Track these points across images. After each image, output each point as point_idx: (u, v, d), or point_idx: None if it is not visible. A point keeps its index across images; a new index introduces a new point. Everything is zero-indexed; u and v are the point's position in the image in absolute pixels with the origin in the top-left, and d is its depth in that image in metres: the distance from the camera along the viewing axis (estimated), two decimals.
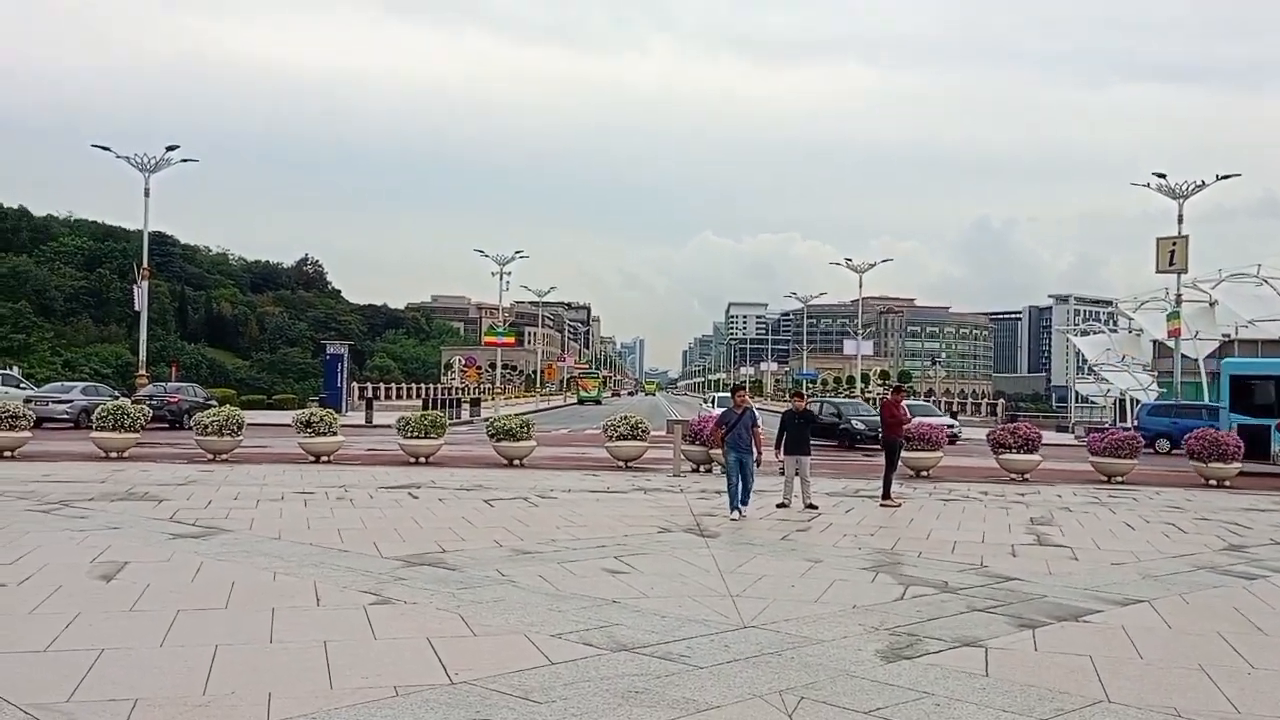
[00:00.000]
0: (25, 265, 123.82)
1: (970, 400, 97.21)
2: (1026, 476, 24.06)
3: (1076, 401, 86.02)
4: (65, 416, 37.61)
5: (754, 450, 15.24)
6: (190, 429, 26.84)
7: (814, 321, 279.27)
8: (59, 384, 46.07)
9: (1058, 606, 9.49)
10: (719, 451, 18.14)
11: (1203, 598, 10.22)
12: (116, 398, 36.29)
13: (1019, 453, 24.09)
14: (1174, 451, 37.07)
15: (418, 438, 24.27)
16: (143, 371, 50.40)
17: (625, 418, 25.21)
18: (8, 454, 23.72)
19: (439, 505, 16.00)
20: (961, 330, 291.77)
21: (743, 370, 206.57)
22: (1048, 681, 7.02)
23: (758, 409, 43.32)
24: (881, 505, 17.36)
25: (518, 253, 75.32)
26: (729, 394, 17.81)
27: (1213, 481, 24.06)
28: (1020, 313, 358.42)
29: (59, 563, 10.46)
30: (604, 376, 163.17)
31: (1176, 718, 6.36)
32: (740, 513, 14.91)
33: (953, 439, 40.29)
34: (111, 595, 8.98)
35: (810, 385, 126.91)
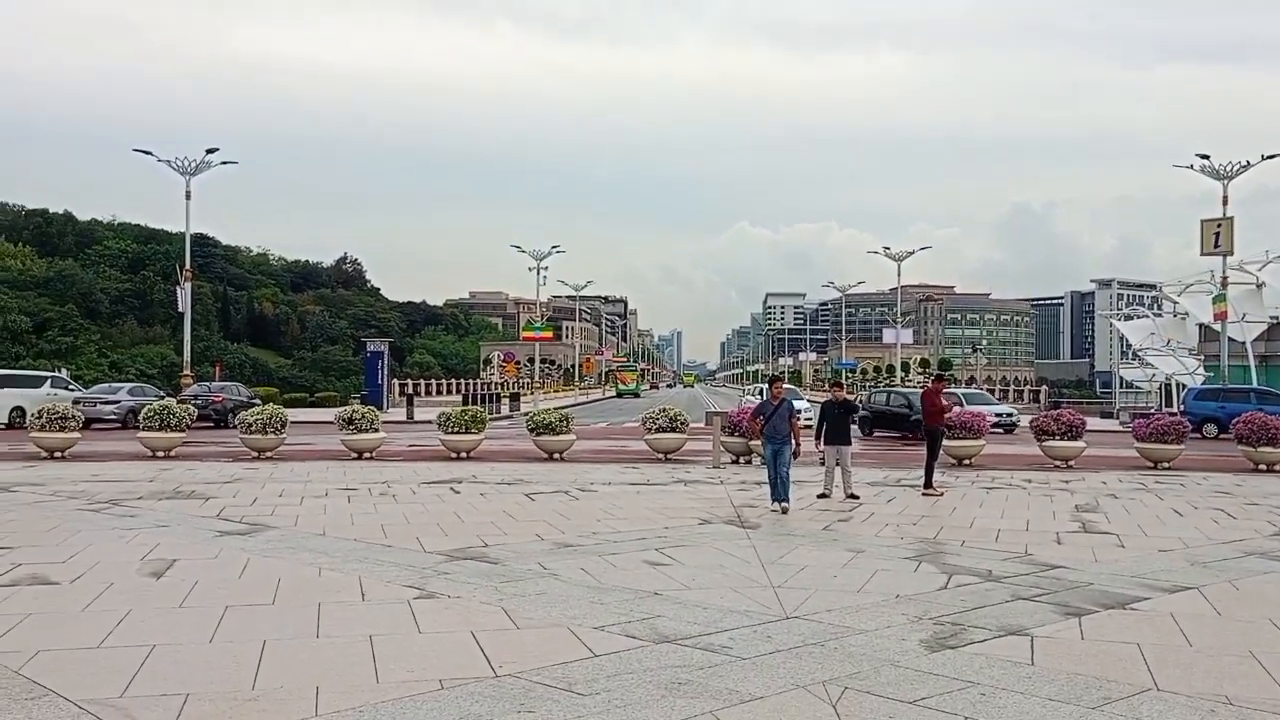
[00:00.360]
0: (71, 269, 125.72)
1: (1013, 387, 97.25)
2: (1071, 463, 23.80)
3: (1121, 387, 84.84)
4: (113, 417, 38.19)
5: (792, 441, 15.08)
6: (235, 427, 27.18)
7: (852, 311, 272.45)
8: (106, 385, 46.82)
9: (1104, 594, 9.38)
10: (758, 443, 18.02)
11: (1253, 584, 10.05)
12: (162, 398, 36.80)
13: (1063, 439, 23.85)
14: (1222, 436, 36.53)
15: (458, 433, 24.36)
16: (187, 371, 51.04)
17: (664, 410, 25.16)
18: (58, 454, 24.11)
19: (480, 500, 16.02)
20: (1002, 317, 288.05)
21: (781, 361, 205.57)
22: (1095, 670, 6.92)
23: (804, 402, 43.23)
24: (924, 494, 17.26)
25: (554, 248, 75.56)
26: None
27: (1262, 466, 23.69)
28: (1062, 298, 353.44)
29: (110, 561, 10.60)
30: (642, 369, 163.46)
31: (1228, 705, 6.24)
32: (781, 506, 14.74)
33: (1010, 428, 39.75)
34: (161, 592, 9.09)
35: (850, 375, 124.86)
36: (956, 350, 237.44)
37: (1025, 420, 37.50)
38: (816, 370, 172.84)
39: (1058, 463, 23.69)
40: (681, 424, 24.77)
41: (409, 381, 76.30)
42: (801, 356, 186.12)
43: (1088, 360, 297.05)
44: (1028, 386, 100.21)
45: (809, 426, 38.43)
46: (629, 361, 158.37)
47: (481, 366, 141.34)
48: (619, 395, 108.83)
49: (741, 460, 23.09)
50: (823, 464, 17.34)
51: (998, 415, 39.05)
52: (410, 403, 49.46)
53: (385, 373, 56.34)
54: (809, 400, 45.57)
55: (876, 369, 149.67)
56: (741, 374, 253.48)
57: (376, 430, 24.67)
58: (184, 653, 7.09)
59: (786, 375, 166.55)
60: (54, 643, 7.35)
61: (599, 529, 12.99)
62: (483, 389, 73.84)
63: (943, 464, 21.58)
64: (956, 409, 24.16)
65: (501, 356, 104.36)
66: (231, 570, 10.11)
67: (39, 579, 9.62)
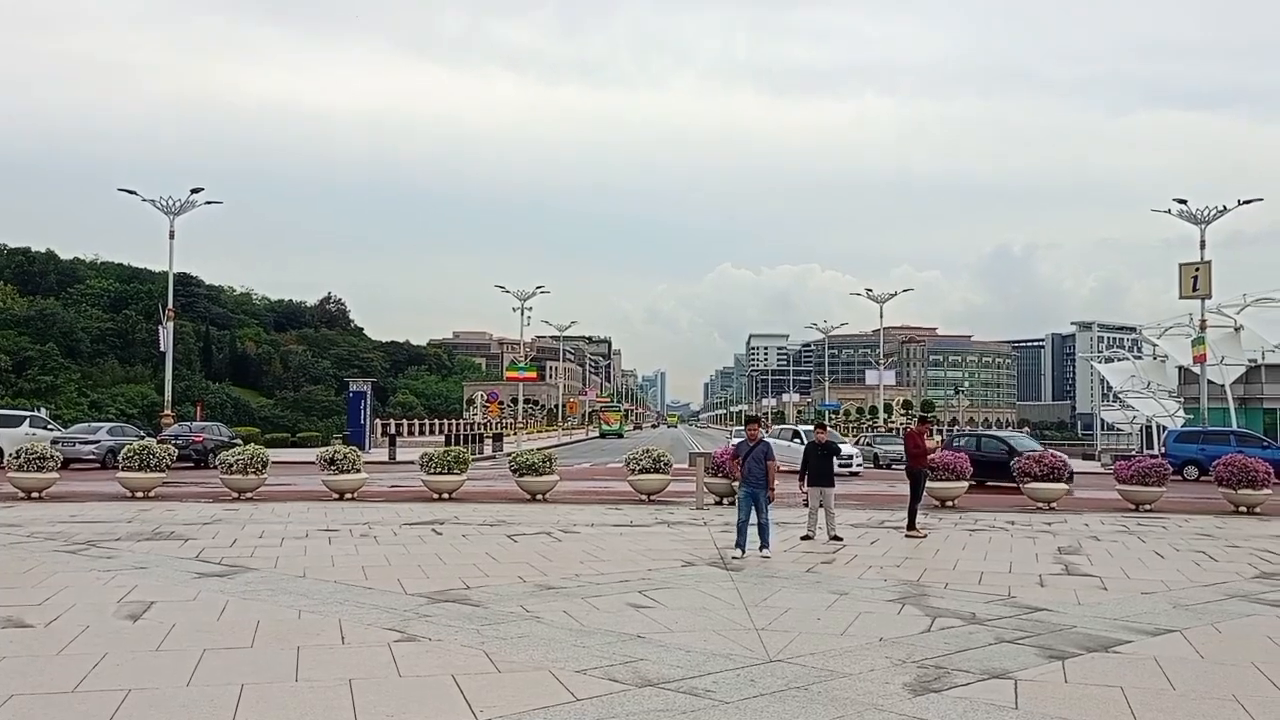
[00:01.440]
0: (53, 308, 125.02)
1: (994, 428, 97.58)
2: (1053, 506, 23.72)
3: (1102, 429, 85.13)
4: (92, 457, 37.81)
5: (767, 484, 14.56)
6: (215, 468, 26.87)
7: (835, 352, 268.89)
8: (85, 425, 46.39)
9: (1088, 637, 9.31)
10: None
11: (1235, 627, 10.01)
12: (142, 438, 36.49)
13: (1045, 481, 23.81)
14: (1202, 479, 36.58)
15: (440, 474, 24.07)
16: (168, 411, 50.62)
17: (647, 451, 24.94)
18: (36, 495, 23.81)
19: (462, 541, 15.81)
20: (984, 358, 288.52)
21: (764, 402, 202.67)
22: (1079, 714, 6.86)
23: (850, 448, 43.51)
24: (907, 536, 17.13)
25: (539, 288, 74.95)
26: (759, 426, 17.74)
27: (1242, 508, 23.73)
28: (1043, 340, 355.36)
29: (86, 603, 10.42)
30: (625, 410, 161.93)
31: None
32: (744, 552, 14.16)
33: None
34: (138, 635, 8.93)
35: (833, 416, 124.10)
36: (939, 392, 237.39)
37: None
38: (799, 411, 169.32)
39: (1041, 505, 23.55)
40: (665, 465, 24.54)
41: (391, 422, 75.15)
42: (785, 397, 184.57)
43: (1069, 402, 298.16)
44: (1009, 428, 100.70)
45: (856, 474, 39.30)
46: (613, 402, 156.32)
47: (465, 407, 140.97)
48: (603, 436, 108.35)
49: (725, 501, 22.83)
50: (804, 505, 17.19)
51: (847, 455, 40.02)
52: (392, 443, 48.78)
53: (368, 413, 55.73)
54: (852, 447, 43.14)
55: (860, 410, 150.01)
56: (725, 414, 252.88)
57: (358, 471, 24.35)
58: (161, 696, 6.97)
59: (770, 416, 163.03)
60: (29, 687, 7.22)
61: (582, 571, 12.78)
62: (466, 429, 72.77)
63: (926, 505, 21.37)
64: (939, 451, 24.03)
65: (485, 396, 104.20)
66: (210, 613, 9.96)
67: (14, 622, 9.46)
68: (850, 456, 39.61)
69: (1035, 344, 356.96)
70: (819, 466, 16.55)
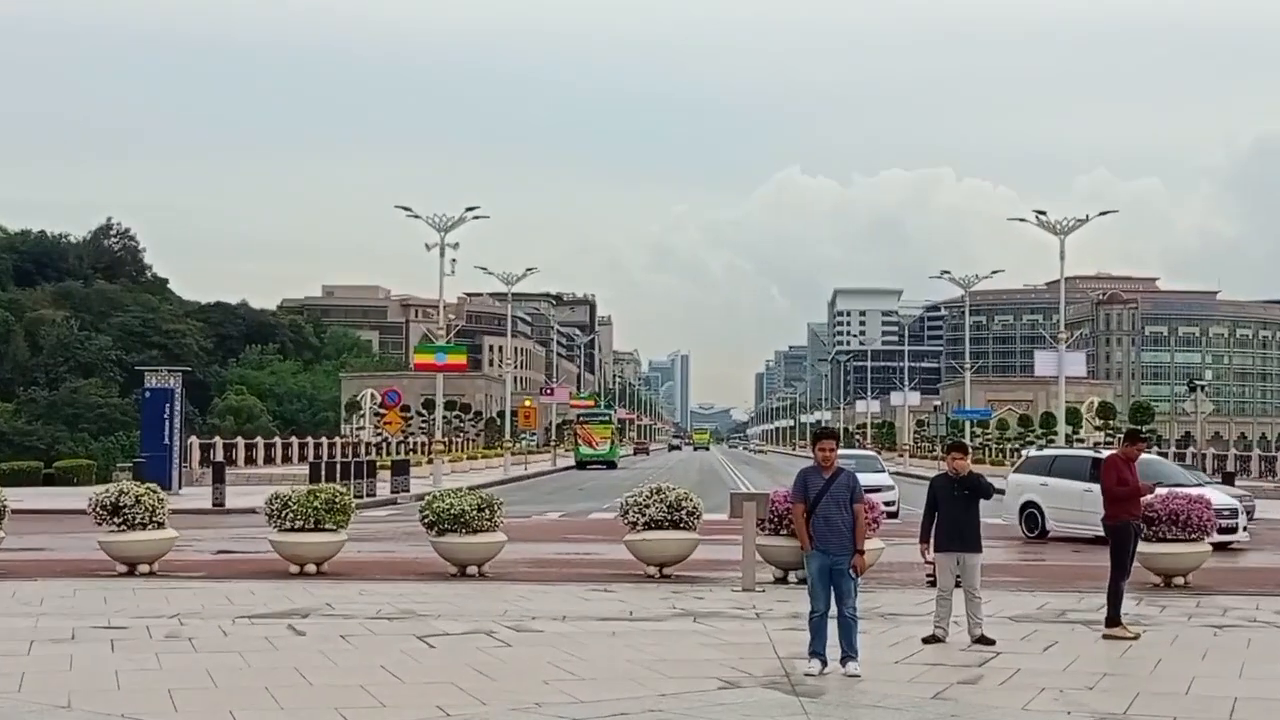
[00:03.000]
0: None
1: (1259, 452, 68.98)
2: None
3: None
4: None
5: (853, 545, 11.55)
6: None
7: (981, 320, 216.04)
8: None
9: None
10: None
11: None
12: None
13: (1173, 543, 19.68)
14: None
15: (303, 530, 20.46)
16: None
17: (658, 492, 20.94)
18: None
19: (341, 648, 13.27)
20: (1240, 331, 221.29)
21: (859, 405, 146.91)
22: None
23: (886, 476, 37.69)
24: (1106, 636, 14.34)
25: (471, 210, 51.70)
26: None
27: None
28: None
29: None
30: (621, 421, 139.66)
31: None
32: (825, 664, 11.59)
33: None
34: None
35: (978, 432, 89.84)
36: (1160, 388, 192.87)
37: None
38: (921, 422, 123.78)
39: None
40: (689, 515, 20.66)
41: (218, 441, 62.23)
42: (895, 399, 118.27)
43: None
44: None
45: (893, 516, 32.41)
46: (598, 407, 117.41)
47: (344, 415, 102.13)
48: (581, 465, 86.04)
49: (793, 578, 19.35)
50: (931, 584, 14.89)
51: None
52: (220, 478, 40.87)
53: (178, 426, 44.94)
54: (895, 473, 37.40)
55: (1023, 419, 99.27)
56: (793, 428, 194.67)
57: (161, 525, 20.78)
58: None
59: (868, 431, 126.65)
60: None
61: (547, 698, 10.73)
62: (345, 453, 63.42)
63: (1138, 585, 18.21)
64: (1161, 490, 19.78)
65: (378, 397, 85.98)
66: None
67: None
68: (874, 489, 31.46)
69: None
70: (955, 517, 13.46)
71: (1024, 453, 41.70)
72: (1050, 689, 11.28)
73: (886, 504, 30.76)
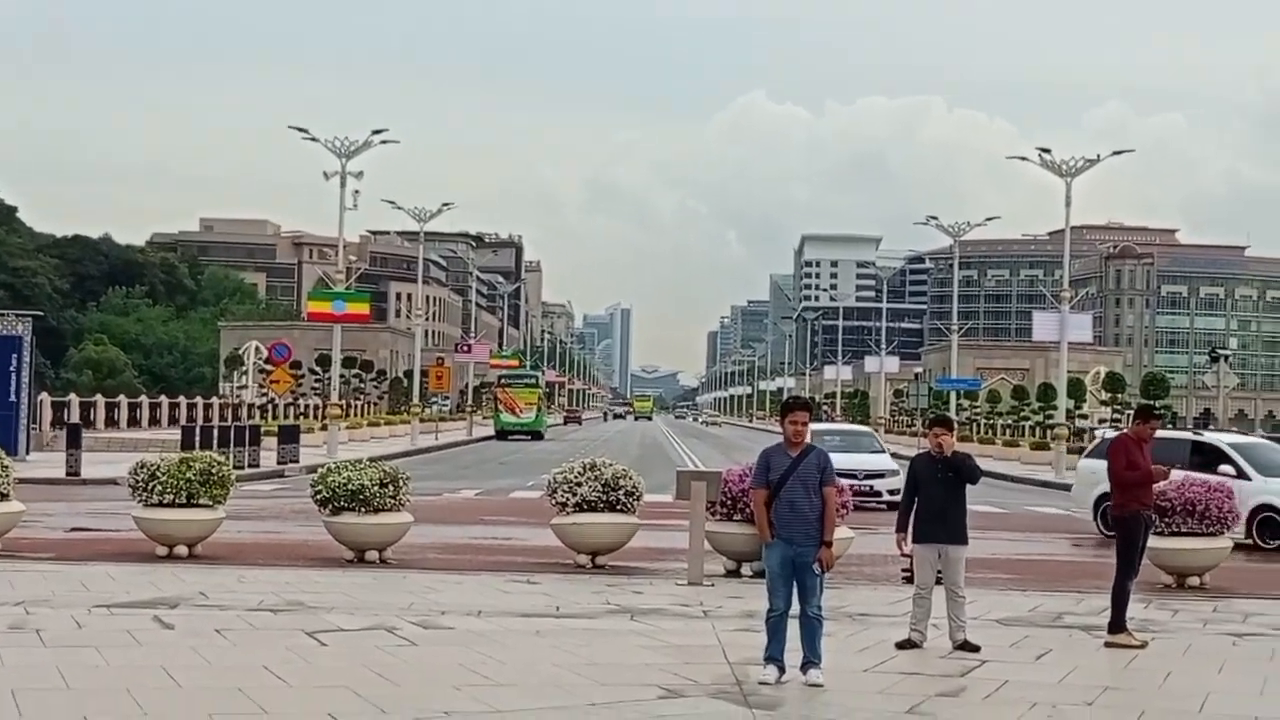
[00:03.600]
0: None
1: None
2: None
3: None
4: None
5: (820, 536, 11.30)
6: None
7: (972, 275, 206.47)
8: None
9: None
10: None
11: None
12: None
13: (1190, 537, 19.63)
14: None
15: (174, 506, 20.00)
16: None
17: (593, 467, 20.66)
18: None
19: (217, 644, 13.14)
20: (1270, 293, 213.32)
21: (828, 371, 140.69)
22: None
23: (887, 457, 35.50)
24: (1109, 644, 14.20)
25: (377, 133, 51.23)
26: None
27: None
28: None
29: None
30: (549, 384, 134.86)
31: None
32: (783, 671, 11.36)
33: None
34: None
35: (965, 405, 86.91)
36: (1177, 357, 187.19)
37: None
38: (899, 391, 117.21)
39: None
40: (628, 496, 20.35)
41: (73, 399, 61.47)
42: (870, 364, 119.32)
43: None
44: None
45: (890, 505, 29.86)
46: (523, 367, 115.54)
47: (223, 370, 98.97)
48: (502, 435, 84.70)
49: (748, 570, 19.15)
50: (907, 580, 14.61)
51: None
52: (75, 442, 39.77)
53: (26, 380, 43.42)
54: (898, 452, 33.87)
55: (1019, 392, 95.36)
56: (751, 395, 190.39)
57: (5, 497, 20.24)
58: None
59: (838, 401, 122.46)
60: None
61: (458, 706, 10.49)
62: (225, 416, 62.06)
63: (1146, 584, 17.98)
64: (1176, 473, 19.40)
65: (264, 351, 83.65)
66: None
67: None
68: (877, 474, 30.93)
69: None
70: (937, 502, 13.31)
71: (1097, 433, 39.83)
72: (1043, 704, 11.05)
73: (890, 492, 29.15)
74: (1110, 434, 32.89)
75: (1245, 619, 16.77)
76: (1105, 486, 25.14)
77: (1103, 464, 27.12)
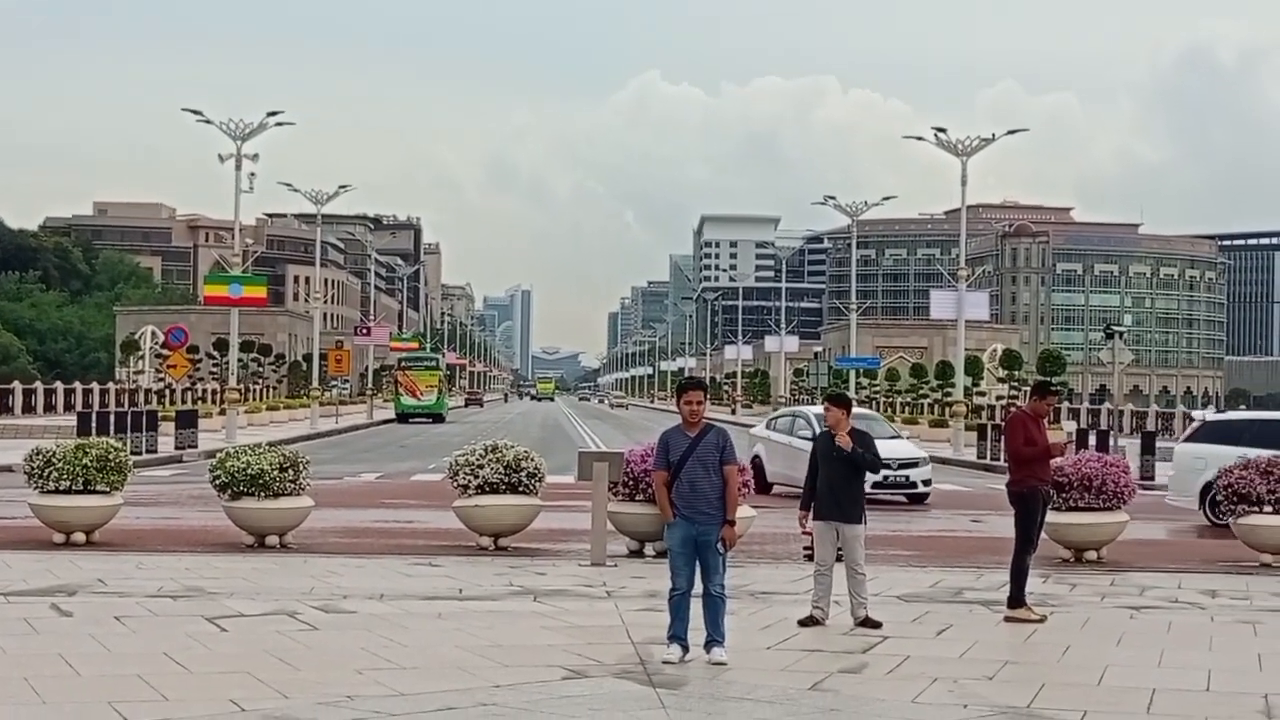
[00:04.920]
0: None
1: (1183, 409, 67.92)
2: None
3: None
4: None
5: (722, 513, 11.38)
6: None
7: (870, 255, 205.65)
8: None
9: None
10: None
11: None
12: None
13: (1278, 513, 19.78)
14: None
15: (70, 492, 19.96)
16: None
17: (494, 449, 20.58)
18: None
19: (116, 631, 13.08)
20: (1165, 270, 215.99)
21: (729, 351, 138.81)
22: None
23: (906, 442, 32.54)
24: (1008, 619, 14.34)
25: (273, 114, 51.97)
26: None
27: None
28: (1278, 235, 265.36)
29: None
30: (449, 366, 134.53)
31: None
32: (686, 650, 11.47)
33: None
34: None
35: (864, 383, 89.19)
36: (1073, 334, 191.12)
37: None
38: (799, 370, 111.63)
39: (1269, 558, 19.95)
40: (530, 476, 20.37)
41: None
42: (771, 344, 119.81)
43: None
44: (1210, 408, 70.93)
45: (923, 498, 29.22)
46: (423, 350, 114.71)
47: (119, 356, 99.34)
48: (403, 418, 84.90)
49: (651, 550, 19.27)
50: (809, 558, 14.74)
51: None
52: None
53: None
54: (913, 445, 31.90)
55: (917, 370, 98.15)
56: (653, 376, 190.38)
57: None
58: None
59: (739, 381, 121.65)
60: None
61: (361, 690, 10.49)
62: (121, 400, 61.54)
63: (1045, 559, 18.33)
64: (1068, 450, 19.84)
65: (161, 336, 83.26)
66: None
67: None
68: (910, 463, 28.78)
69: (1263, 241, 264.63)
70: (836, 482, 13.34)
71: (1197, 415, 38.20)
72: (944, 679, 11.17)
73: (924, 482, 28.24)
74: (1212, 416, 32.09)
75: (1142, 592, 17.03)
76: (1211, 473, 23.54)
77: (1213, 448, 25.83)
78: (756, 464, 27.17)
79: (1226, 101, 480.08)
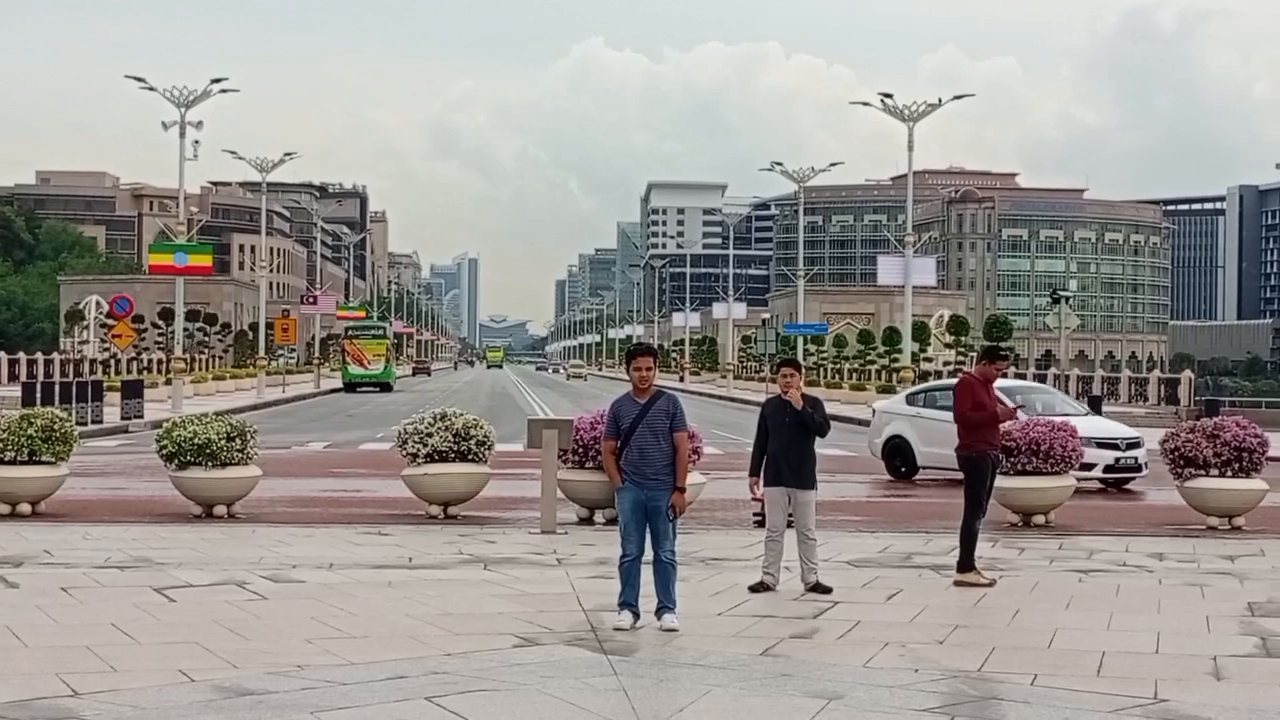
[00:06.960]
0: None
1: (1129, 373, 68.27)
2: (1238, 523, 20.18)
3: None
4: None
5: (673, 481, 11.39)
6: None
7: (817, 221, 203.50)
8: None
9: None
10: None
11: None
12: None
13: (1225, 476, 20.00)
14: None
15: (15, 463, 19.71)
16: None
17: (443, 417, 20.46)
18: None
19: (64, 602, 12.71)
20: (1109, 235, 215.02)
21: (676, 318, 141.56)
22: None
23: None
24: (958, 583, 14.31)
25: (217, 81, 51.59)
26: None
27: None
28: (1222, 200, 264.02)
29: None
30: (397, 335, 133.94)
31: None
32: (637, 617, 11.44)
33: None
34: None
35: (812, 350, 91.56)
36: (1019, 300, 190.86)
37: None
38: (747, 338, 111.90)
39: (1214, 521, 20.15)
40: (479, 445, 20.26)
41: None
42: (718, 311, 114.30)
43: (1269, 322, 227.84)
44: (1155, 371, 72.32)
45: (1136, 470, 26.43)
46: (370, 319, 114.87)
47: (64, 326, 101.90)
48: (350, 387, 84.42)
49: (601, 518, 19.28)
50: (759, 524, 14.86)
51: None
52: None
53: None
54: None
55: (865, 336, 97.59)
56: (600, 344, 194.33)
57: None
58: None
59: (686, 348, 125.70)
60: None
61: (311, 660, 10.41)
62: (66, 371, 61.79)
63: (995, 524, 18.37)
64: (1025, 416, 19.98)
65: (105, 306, 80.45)
66: None
67: None
68: (1135, 443, 26.21)
69: (1207, 207, 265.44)
70: (787, 447, 13.31)
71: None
72: (894, 643, 11.16)
73: (1145, 465, 25.15)
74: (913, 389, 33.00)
75: (1090, 555, 16.98)
76: (892, 430, 26.62)
77: (896, 407, 27.87)
78: (899, 445, 26.15)
79: (1167, 67, 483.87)
